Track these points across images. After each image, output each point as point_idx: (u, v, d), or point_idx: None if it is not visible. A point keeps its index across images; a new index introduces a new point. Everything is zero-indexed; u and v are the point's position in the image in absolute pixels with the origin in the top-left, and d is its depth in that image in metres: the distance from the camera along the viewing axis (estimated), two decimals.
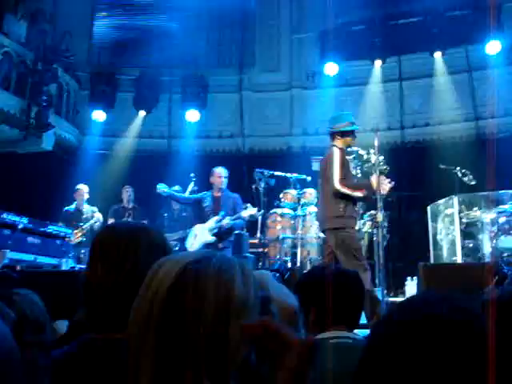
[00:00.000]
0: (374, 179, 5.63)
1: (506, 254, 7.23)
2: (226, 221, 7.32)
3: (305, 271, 5.70)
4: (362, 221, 7.39)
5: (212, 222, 7.39)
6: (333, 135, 5.90)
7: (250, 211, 7.32)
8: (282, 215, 7.87)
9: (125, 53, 11.58)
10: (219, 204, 7.54)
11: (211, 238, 7.30)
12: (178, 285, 1.09)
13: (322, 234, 7.68)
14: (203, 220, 7.46)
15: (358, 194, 5.57)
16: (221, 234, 7.37)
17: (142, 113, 11.38)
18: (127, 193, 9.18)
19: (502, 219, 7.36)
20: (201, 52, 11.76)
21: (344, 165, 5.62)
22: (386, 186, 5.64)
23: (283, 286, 1.73)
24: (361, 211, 7.57)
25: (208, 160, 10.08)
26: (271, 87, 11.69)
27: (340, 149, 5.74)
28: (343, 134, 5.84)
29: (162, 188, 7.67)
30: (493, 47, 9.75)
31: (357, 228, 7.29)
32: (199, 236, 7.38)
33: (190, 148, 11.14)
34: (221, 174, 7.69)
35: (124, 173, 10.64)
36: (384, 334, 0.88)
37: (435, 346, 0.81)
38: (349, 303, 2.32)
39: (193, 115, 11.19)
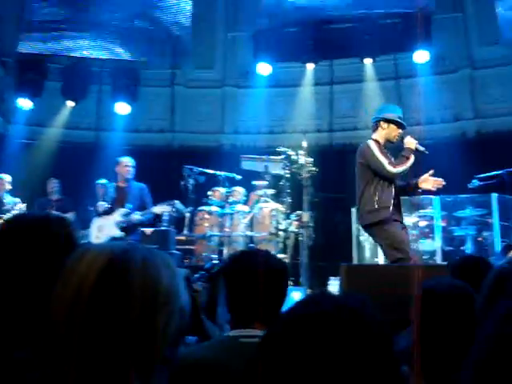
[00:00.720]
0: (408, 140, 5.51)
1: (426, 257, 7.51)
2: (137, 216, 7.20)
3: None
4: (289, 220, 7.47)
5: (118, 216, 7.24)
6: (377, 124, 5.63)
7: (162, 208, 7.23)
8: (209, 213, 7.84)
9: (55, 41, 11.25)
10: (124, 194, 7.38)
11: (118, 233, 7.17)
12: (105, 276, 1.08)
13: (249, 233, 7.73)
14: (106, 212, 7.30)
15: (411, 161, 5.39)
16: (129, 227, 7.25)
17: (70, 103, 11.07)
18: (51, 184, 8.97)
19: (423, 223, 7.65)
20: (134, 44, 11.56)
21: (383, 153, 5.42)
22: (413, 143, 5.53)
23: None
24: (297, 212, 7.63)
25: (137, 154, 9.86)
26: (204, 84, 11.62)
27: (375, 140, 5.53)
28: (389, 122, 5.56)
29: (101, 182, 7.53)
30: (421, 56, 10.09)
31: (284, 227, 7.40)
32: (105, 229, 7.22)
33: (119, 141, 10.94)
34: (128, 163, 7.55)
35: (50, 164, 10.35)
36: (270, 331, 0.89)
37: (313, 341, 0.82)
38: (271, 298, 2.08)
39: (122, 108, 10.99)
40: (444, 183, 5.54)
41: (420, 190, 5.68)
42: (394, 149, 5.71)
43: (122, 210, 7.21)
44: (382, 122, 5.56)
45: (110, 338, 1.05)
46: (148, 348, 1.07)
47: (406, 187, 5.67)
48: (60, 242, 1.51)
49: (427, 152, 5.52)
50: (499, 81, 10.59)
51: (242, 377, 0.91)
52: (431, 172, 5.51)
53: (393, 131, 5.55)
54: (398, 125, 5.57)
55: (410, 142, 5.47)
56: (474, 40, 10.85)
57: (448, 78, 10.79)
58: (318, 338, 0.82)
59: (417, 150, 5.47)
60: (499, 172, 7.71)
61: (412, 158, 5.39)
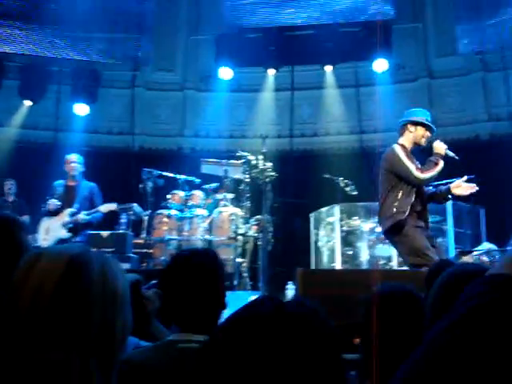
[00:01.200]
0: (437, 144, 5.27)
1: (382, 262, 7.60)
2: (82, 216, 7.06)
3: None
4: (248, 225, 7.48)
5: (65, 216, 7.11)
6: (404, 128, 5.38)
7: (109, 206, 7.12)
8: (168, 216, 7.78)
9: (14, 39, 11.04)
10: (73, 194, 7.23)
11: (66, 234, 7.04)
12: (66, 280, 1.08)
13: (207, 237, 7.71)
14: (55, 212, 7.17)
15: (440, 166, 5.14)
16: (76, 228, 7.13)
17: (28, 102, 10.88)
18: (7, 186, 8.79)
19: (380, 229, 7.71)
20: (94, 45, 11.43)
21: (410, 158, 5.19)
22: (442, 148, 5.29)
23: None
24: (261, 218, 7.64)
25: (96, 156, 9.81)
26: (165, 86, 11.57)
27: (401, 145, 5.29)
28: (417, 125, 5.32)
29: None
30: (380, 65, 10.22)
31: (243, 232, 7.41)
32: (52, 230, 7.08)
33: (78, 142, 10.77)
34: (72, 159, 7.40)
35: (7, 164, 10.15)
36: (210, 337, 0.90)
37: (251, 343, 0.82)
38: (206, 301, 1.99)
39: (81, 109, 10.83)
40: (478, 189, 5.33)
41: (451, 197, 5.49)
42: (420, 153, 5.51)
43: (69, 210, 7.07)
44: (409, 125, 5.36)
45: (73, 339, 1.05)
46: (109, 349, 1.10)
47: (436, 194, 5.47)
48: (10, 244, 1.48)
49: (457, 158, 5.32)
50: (456, 90, 10.85)
51: (179, 381, 0.91)
52: (465, 178, 5.32)
53: (421, 133, 5.34)
54: (426, 127, 5.37)
55: (440, 148, 5.27)
56: (432, 50, 11.09)
57: (407, 87, 10.99)
58: (255, 343, 0.82)
59: (446, 155, 5.28)
60: (455, 179, 7.87)
61: (441, 164, 5.18)
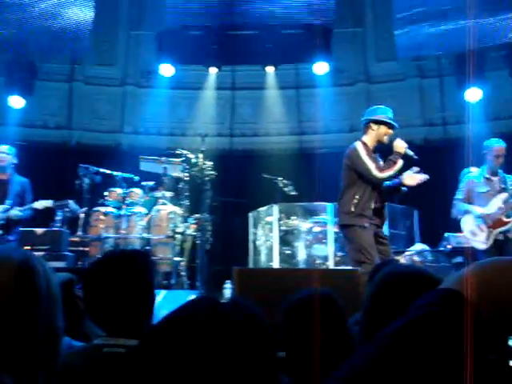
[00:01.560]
0: (397, 143, 5.39)
1: (318, 261, 7.73)
2: (16, 212, 6.83)
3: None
4: (187, 223, 7.45)
5: None
6: (367, 126, 5.51)
7: (44, 203, 6.93)
8: (105, 214, 7.64)
9: None
10: (5, 189, 6.93)
11: None
12: (18, 284, 1.07)
13: (145, 235, 7.63)
14: None
15: (398, 165, 5.28)
16: (8, 225, 6.92)
17: None
18: None
19: (317, 229, 7.85)
20: (32, 37, 11.10)
21: (371, 157, 5.30)
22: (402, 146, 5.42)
23: None
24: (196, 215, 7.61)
25: (31, 150, 9.55)
26: (104, 81, 11.37)
27: (363, 143, 5.42)
28: (378, 123, 5.45)
29: None
30: (320, 68, 10.36)
31: (181, 230, 7.37)
32: None
33: (12, 136, 10.43)
34: (1, 150, 7.11)
35: None
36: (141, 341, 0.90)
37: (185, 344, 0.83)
38: (131, 303, 1.89)
39: (17, 101, 10.50)
40: (428, 177, 5.43)
41: (405, 188, 5.57)
42: (384, 151, 5.61)
43: (1, 207, 6.82)
44: (371, 124, 5.49)
45: (23, 340, 1.05)
46: (52, 349, 1.10)
47: (390, 187, 5.57)
48: None
49: (416, 157, 5.47)
50: (393, 95, 11.09)
51: None
52: (416, 169, 5.42)
53: (383, 132, 5.47)
54: (389, 125, 5.50)
55: (400, 146, 5.41)
56: (371, 55, 11.33)
57: (346, 90, 11.20)
58: (188, 346, 0.83)
59: (406, 154, 5.41)
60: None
61: (400, 163, 5.34)
